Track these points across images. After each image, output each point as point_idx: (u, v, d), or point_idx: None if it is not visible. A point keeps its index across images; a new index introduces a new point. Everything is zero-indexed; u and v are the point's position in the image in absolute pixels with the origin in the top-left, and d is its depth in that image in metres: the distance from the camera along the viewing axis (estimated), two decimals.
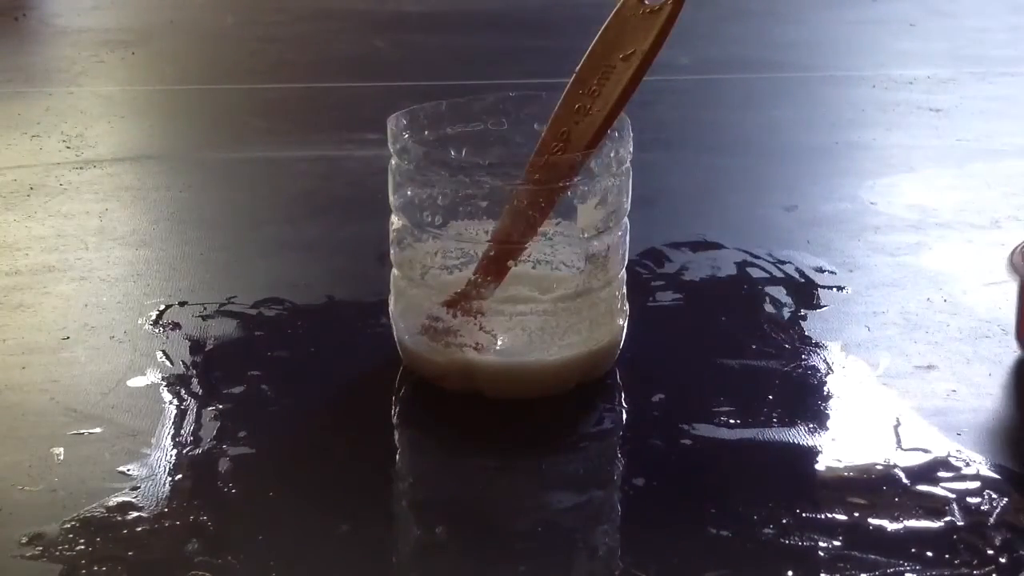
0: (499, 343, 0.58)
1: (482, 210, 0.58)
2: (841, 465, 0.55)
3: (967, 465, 0.55)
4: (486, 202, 0.57)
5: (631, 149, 0.59)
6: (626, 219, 0.60)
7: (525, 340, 0.58)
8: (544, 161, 0.56)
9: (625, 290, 0.62)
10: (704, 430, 0.58)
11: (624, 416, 0.60)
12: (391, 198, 0.60)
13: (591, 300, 0.59)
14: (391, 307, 0.62)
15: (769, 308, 0.71)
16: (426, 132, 0.60)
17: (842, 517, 0.51)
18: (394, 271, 0.61)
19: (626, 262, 0.62)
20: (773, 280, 0.74)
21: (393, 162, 0.59)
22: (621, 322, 0.62)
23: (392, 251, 0.61)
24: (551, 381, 0.59)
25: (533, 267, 0.60)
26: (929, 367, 0.64)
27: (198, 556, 0.48)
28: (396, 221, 0.61)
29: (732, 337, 0.67)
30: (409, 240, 0.60)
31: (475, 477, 0.55)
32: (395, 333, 0.62)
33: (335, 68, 1.35)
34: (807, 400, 0.61)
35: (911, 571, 0.47)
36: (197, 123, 1.15)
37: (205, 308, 0.70)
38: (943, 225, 0.84)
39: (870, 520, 0.51)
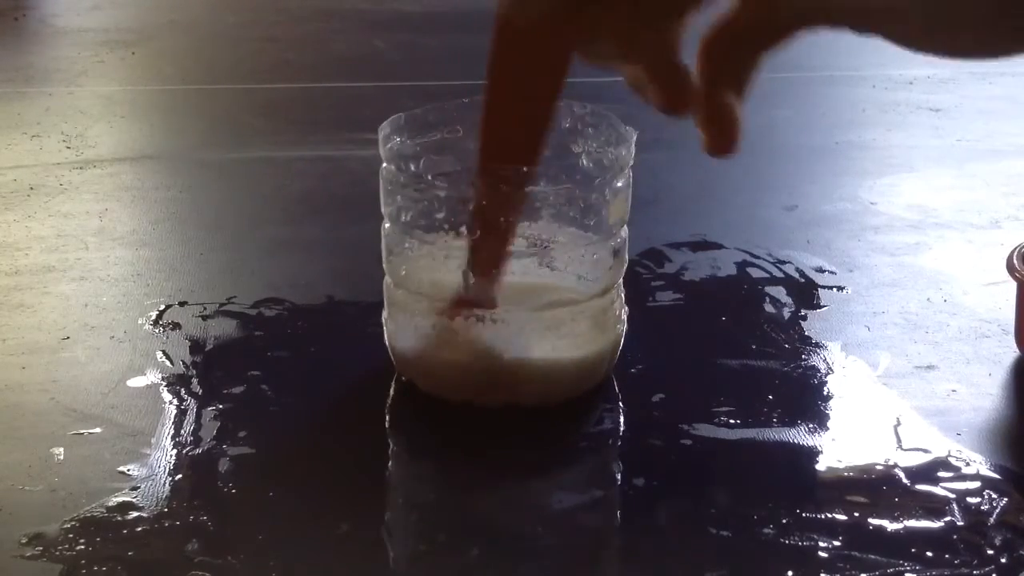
0: (502, 348, 0.57)
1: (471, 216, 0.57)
2: (841, 465, 0.55)
3: (967, 465, 0.55)
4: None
5: (631, 161, 0.59)
6: (625, 227, 0.60)
7: (526, 344, 0.58)
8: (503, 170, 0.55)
9: (623, 297, 0.61)
10: (704, 430, 0.58)
11: (624, 416, 0.60)
12: (383, 206, 0.59)
13: (591, 305, 0.59)
14: (384, 316, 0.62)
15: (769, 308, 0.71)
16: (417, 138, 0.59)
17: (842, 517, 0.51)
18: (387, 279, 0.61)
19: (625, 266, 0.61)
20: (773, 280, 0.74)
21: (384, 169, 0.59)
22: (620, 328, 0.61)
23: (384, 259, 0.60)
24: (558, 386, 0.59)
25: (538, 270, 0.60)
26: (929, 367, 0.64)
27: (198, 556, 0.48)
28: (388, 227, 0.60)
29: (732, 337, 0.67)
30: (402, 247, 0.59)
31: (475, 477, 0.55)
32: (387, 341, 0.61)
33: (335, 68, 1.35)
34: (807, 400, 0.61)
35: (911, 571, 0.47)
36: (197, 123, 1.15)
37: (205, 308, 0.70)
38: (943, 225, 0.84)
39: (870, 520, 0.51)
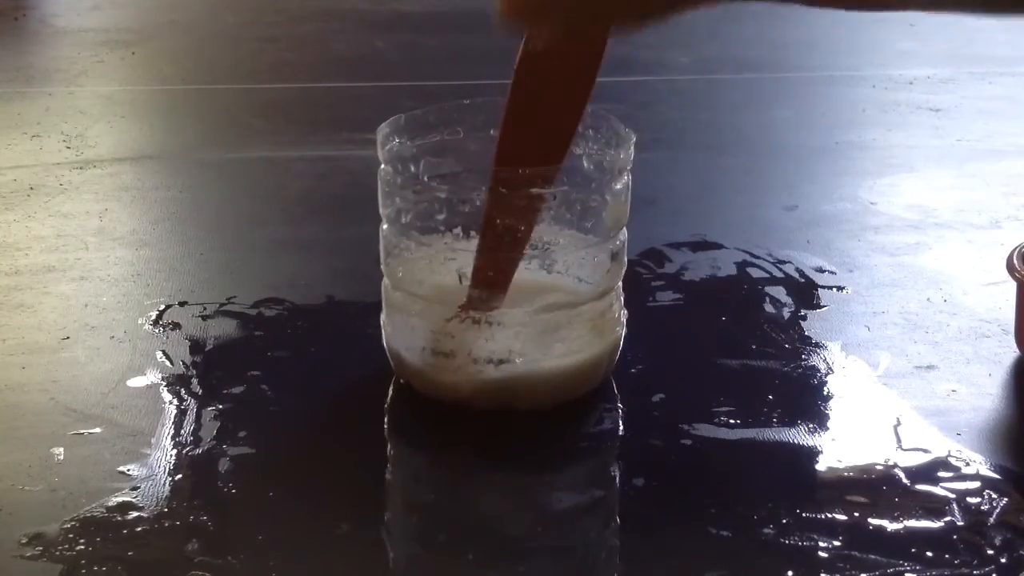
0: (499, 351, 0.57)
1: (473, 218, 0.57)
2: (841, 465, 0.55)
3: (967, 465, 0.55)
4: (476, 210, 0.56)
5: (630, 166, 0.59)
6: (624, 230, 0.60)
7: (524, 347, 0.57)
8: (522, 173, 0.55)
9: (622, 300, 0.61)
10: (704, 430, 0.58)
11: (624, 416, 0.60)
12: (381, 207, 0.59)
13: (590, 308, 0.58)
14: (383, 318, 0.61)
15: (769, 308, 0.71)
16: (416, 140, 0.59)
17: (842, 517, 0.51)
18: (385, 281, 0.61)
19: (624, 269, 0.61)
20: (773, 280, 0.74)
21: (382, 170, 0.58)
22: (619, 331, 0.61)
23: (382, 260, 0.60)
24: (556, 389, 0.58)
25: (536, 272, 0.59)
26: (929, 367, 0.64)
27: (198, 556, 0.48)
28: (386, 229, 0.60)
29: (732, 337, 0.67)
30: (399, 249, 0.59)
31: (475, 477, 0.55)
32: (385, 343, 0.61)
33: (335, 68, 1.35)
34: (807, 400, 0.61)
35: (911, 571, 0.47)
36: (197, 123, 1.15)
37: (205, 308, 0.70)
38: (943, 225, 0.84)
39: (870, 520, 0.51)
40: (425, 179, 0.58)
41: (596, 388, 0.60)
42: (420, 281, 0.59)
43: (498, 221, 0.55)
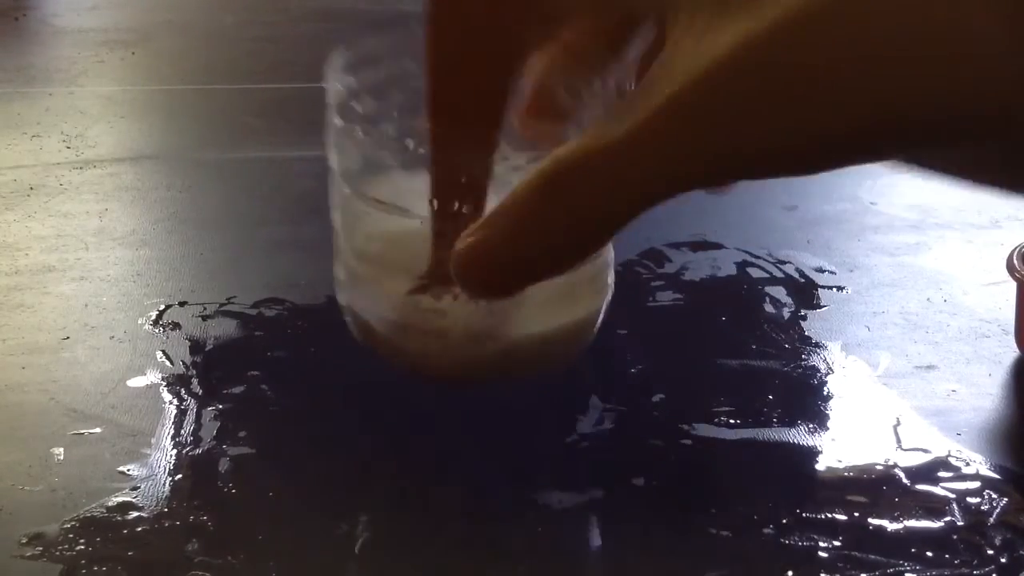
0: (496, 327, 0.53)
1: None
2: (841, 465, 0.55)
3: (967, 465, 0.55)
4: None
5: None
6: None
7: (516, 318, 0.54)
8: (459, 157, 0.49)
9: (612, 266, 0.59)
10: (704, 430, 0.58)
11: (624, 416, 0.60)
12: (331, 159, 0.53)
13: (581, 274, 0.55)
14: (341, 289, 0.56)
15: (769, 308, 0.71)
16: (368, 74, 0.54)
17: (842, 517, 0.51)
18: (345, 249, 0.55)
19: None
20: (773, 280, 0.74)
21: (332, 120, 0.52)
22: (608, 292, 0.57)
23: (337, 221, 0.55)
24: (544, 358, 0.55)
25: None
26: (929, 367, 0.64)
27: (198, 556, 0.48)
28: (341, 184, 0.54)
29: (732, 337, 0.67)
30: (357, 210, 0.54)
31: (475, 477, 0.55)
32: (353, 320, 0.56)
33: None
34: (807, 400, 0.61)
35: (911, 571, 0.47)
36: (197, 123, 1.15)
37: (205, 308, 0.70)
38: (943, 225, 0.84)
39: (870, 520, 0.51)
40: (380, 126, 0.51)
41: (596, 388, 0.60)
42: (382, 250, 0.54)
43: (450, 202, 0.51)
